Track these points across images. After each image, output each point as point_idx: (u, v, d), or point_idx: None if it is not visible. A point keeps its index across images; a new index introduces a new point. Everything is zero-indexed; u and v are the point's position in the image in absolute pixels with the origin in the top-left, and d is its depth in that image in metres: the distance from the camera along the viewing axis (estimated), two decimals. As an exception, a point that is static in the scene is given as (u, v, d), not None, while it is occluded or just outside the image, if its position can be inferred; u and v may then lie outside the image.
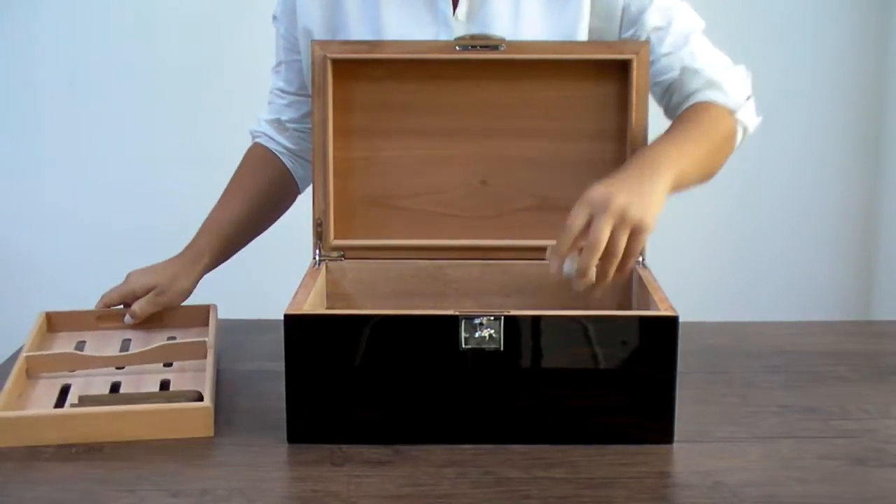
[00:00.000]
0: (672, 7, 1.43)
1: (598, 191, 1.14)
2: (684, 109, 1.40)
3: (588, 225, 1.12)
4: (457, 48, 1.33)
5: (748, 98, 1.43)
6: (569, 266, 1.13)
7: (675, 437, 1.13)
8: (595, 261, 1.11)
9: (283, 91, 1.57)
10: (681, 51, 1.41)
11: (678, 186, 1.28)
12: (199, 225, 1.53)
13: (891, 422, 1.20)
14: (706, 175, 1.39)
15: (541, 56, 1.34)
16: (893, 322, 2.23)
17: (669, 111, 1.45)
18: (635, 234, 1.14)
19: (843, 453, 1.11)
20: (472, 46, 1.33)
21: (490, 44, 1.33)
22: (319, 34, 1.44)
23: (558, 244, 1.13)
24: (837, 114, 2.91)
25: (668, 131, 1.37)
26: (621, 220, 1.12)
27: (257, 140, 1.59)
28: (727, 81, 1.40)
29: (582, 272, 1.12)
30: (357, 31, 1.42)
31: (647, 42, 1.37)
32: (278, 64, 1.56)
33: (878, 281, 2.97)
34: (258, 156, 1.58)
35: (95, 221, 2.82)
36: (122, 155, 2.78)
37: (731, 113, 1.40)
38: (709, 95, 1.40)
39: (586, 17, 1.42)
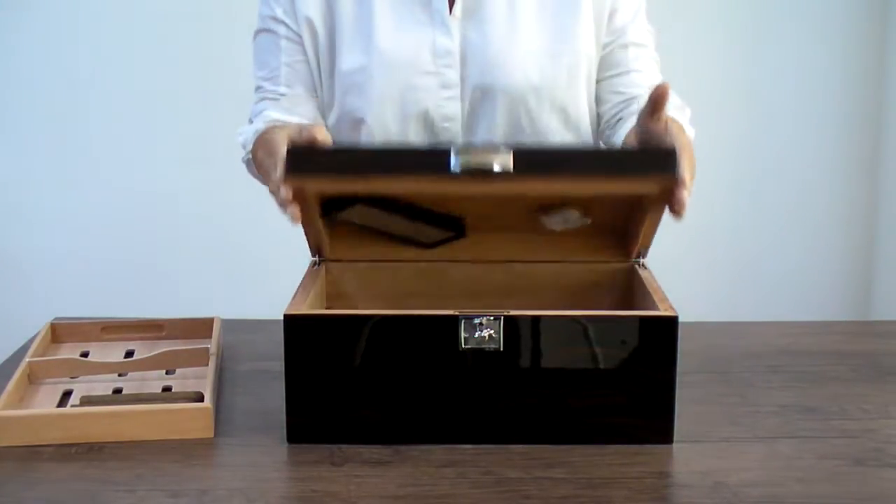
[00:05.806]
0: (649, 30, 1.50)
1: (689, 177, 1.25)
2: (674, 121, 1.42)
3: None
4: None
5: None
6: None
7: (675, 437, 1.13)
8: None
9: (282, 95, 1.48)
10: (652, 72, 1.48)
11: None
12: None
13: (891, 422, 1.20)
14: None
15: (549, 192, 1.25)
16: (893, 322, 2.24)
17: (620, 118, 1.47)
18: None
19: (843, 453, 1.11)
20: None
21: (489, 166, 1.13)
22: (319, 23, 1.42)
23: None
24: (837, 114, 2.91)
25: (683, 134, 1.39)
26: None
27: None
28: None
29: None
30: (351, 29, 1.42)
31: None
32: (274, 70, 1.48)
33: (878, 281, 2.97)
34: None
35: (95, 221, 2.82)
36: (123, 155, 2.78)
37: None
38: (681, 118, 1.42)
39: (587, 15, 1.43)
